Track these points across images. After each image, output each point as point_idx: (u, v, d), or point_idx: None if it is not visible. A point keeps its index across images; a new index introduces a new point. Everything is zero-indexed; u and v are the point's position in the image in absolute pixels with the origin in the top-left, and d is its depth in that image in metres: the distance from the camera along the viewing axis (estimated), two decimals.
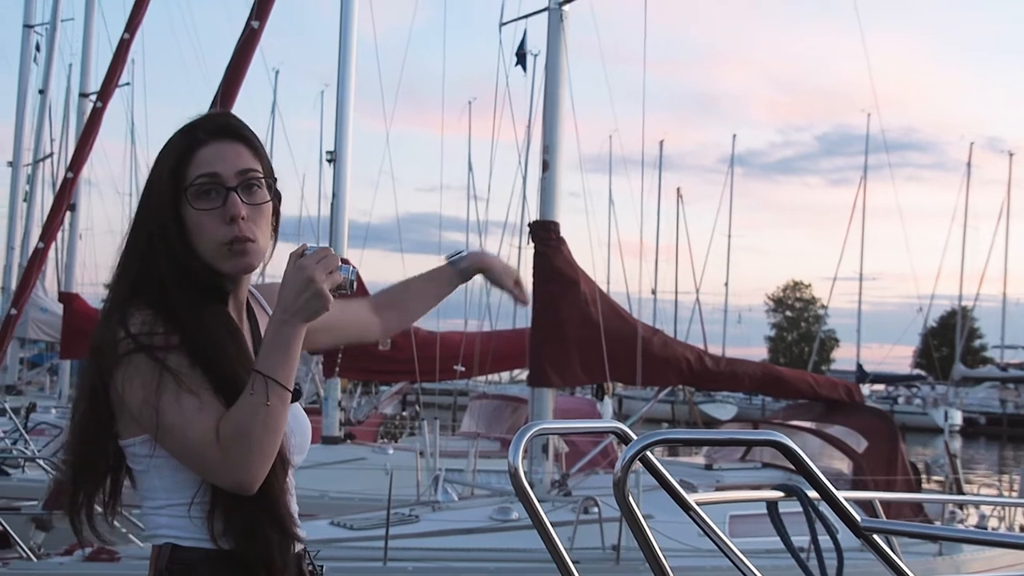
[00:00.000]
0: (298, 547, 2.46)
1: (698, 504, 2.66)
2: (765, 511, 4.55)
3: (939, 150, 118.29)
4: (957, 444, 39.85)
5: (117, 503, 2.45)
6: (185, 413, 2.22)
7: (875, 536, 2.73)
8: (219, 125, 2.43)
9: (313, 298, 2.24)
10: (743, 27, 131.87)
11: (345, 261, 2.37)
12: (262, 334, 2.49)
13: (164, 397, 2.22)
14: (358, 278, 2.41)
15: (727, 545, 2.72)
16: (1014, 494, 15.81)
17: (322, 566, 2.58)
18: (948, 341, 65.85)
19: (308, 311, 2.26)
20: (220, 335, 2.35)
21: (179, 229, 2.35)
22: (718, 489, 9.49)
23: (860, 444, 11.21)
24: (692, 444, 10.90)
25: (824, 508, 3.89)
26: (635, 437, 2.49)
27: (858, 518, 2.70)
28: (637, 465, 2.44)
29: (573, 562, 2.75)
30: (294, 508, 2.46)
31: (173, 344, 2.27)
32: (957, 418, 51.54)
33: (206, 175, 2.35)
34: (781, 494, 3.69)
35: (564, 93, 10.69)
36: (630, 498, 2.47)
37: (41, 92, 24.20)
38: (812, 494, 3.67)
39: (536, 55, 14.04)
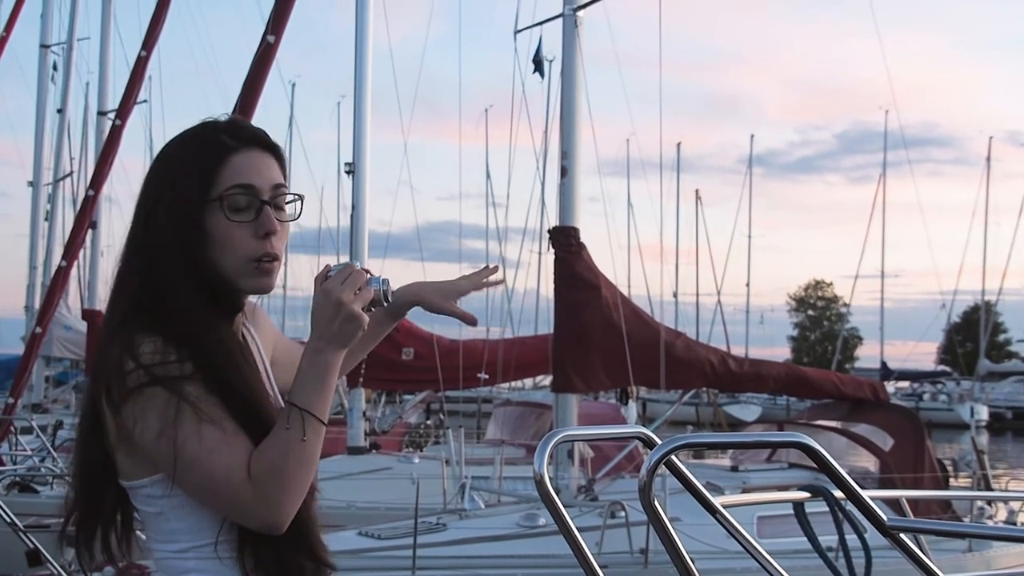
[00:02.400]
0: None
1: (724, 506, 2.66)
2: (792, 512, 4.54)
3: (959, 145, 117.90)
4: (984, 440, 39.66)
5: (130, 543, 2.28)
6: (208, 447, 2.04)
7: (902, 535, 2.73)
8: (251, 134, 2.26)
9: (346, 321, 2.11)
10: (758, 29, 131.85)
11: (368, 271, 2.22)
12: (255, 356, 2.35)
13: (183, 430, 2.03)
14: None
15: (754, 547, 2.72)
16: None
17: None
18: (972, 336, 65.62)
19: (344, 336, 2.12)
20: (236, 359, 2.19)
21: (202, 240, 2.17)
22: (745, 490, 9.49)
23: (886, 442, 11.19)
24: (716, 448, 10.90)
25: (851, 508, 3.89)
26: (659, 442, 2.50)
27: (884, 517, 2.69)
28: (662, 469, 2.45)
29: (601, 567, 2.75)
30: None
31: (188, 372, 2.07)
32: (983, 413, 51.34)
33: (242, 186, 2.18)
34: (807, 495, 3.69)
35: (580, 98, 10.71)
36: (656, 502, 2.48)
37: (59, 111, 24.17)
38: (838, 494, 3.68)
39: (551, 61, 14.04)
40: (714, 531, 2.93)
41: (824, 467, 2.56)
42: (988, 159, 61.39)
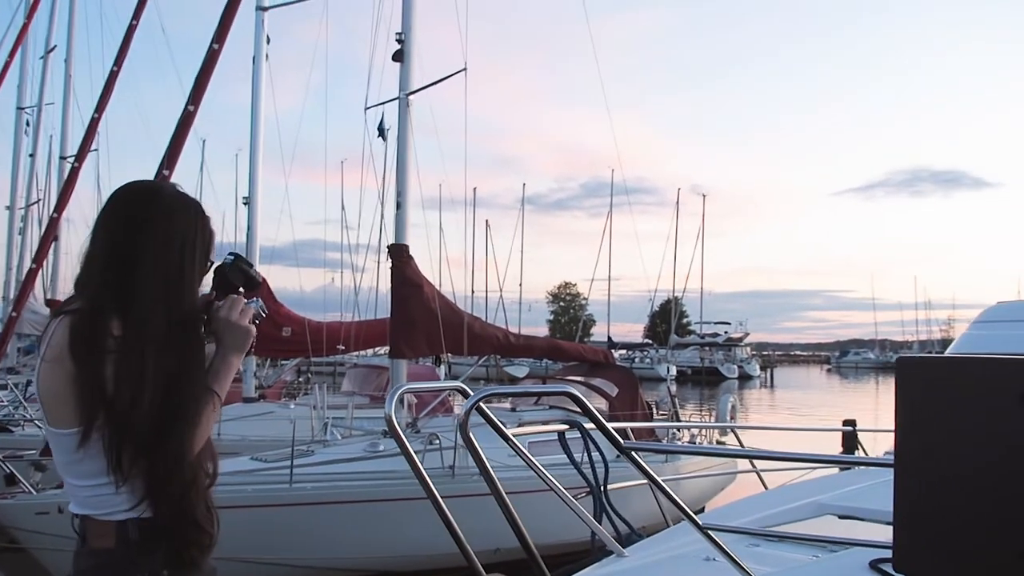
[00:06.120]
0: None
1: (513, 435, 2.68)
2: (555, 438, 4.59)
3: (660, 192, 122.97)
4: (674, 388, 41.00)
5: None
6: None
7: (632, 452, 2.80)
8: None
9: (239, 334, 2.14)
10: (532, 112, 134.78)
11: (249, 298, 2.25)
12: None
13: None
14: (267, 299, 2.32)
15: (532, 462, 2.75)
16: (712, 420, 16.38)
17: None
18: (666, 320, 67.78)
19: (239, 343, 2.15)
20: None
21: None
22: (520, 425, 9.57)
23: (613, 390, 11.43)
24: (512, 396, 11.00)
25: (596, 435, 3.94)
26: (472, 393, 2.50)
27: (622, 440, 2.77)
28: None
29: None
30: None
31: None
32: (673, 371, 53.29)
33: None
34: (567, 426, 3.76)
35: (410, 155, 10.62)
36: (471, 434, 2.48)
37: (31, 156, 23.80)
38: (588, 426, 3.73)
39: (389, 129, 13.89)
40: (501, 452, 2.94)
41: (583, 408, 2.61)
42: (677, 203, 64.12)
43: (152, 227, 2.04)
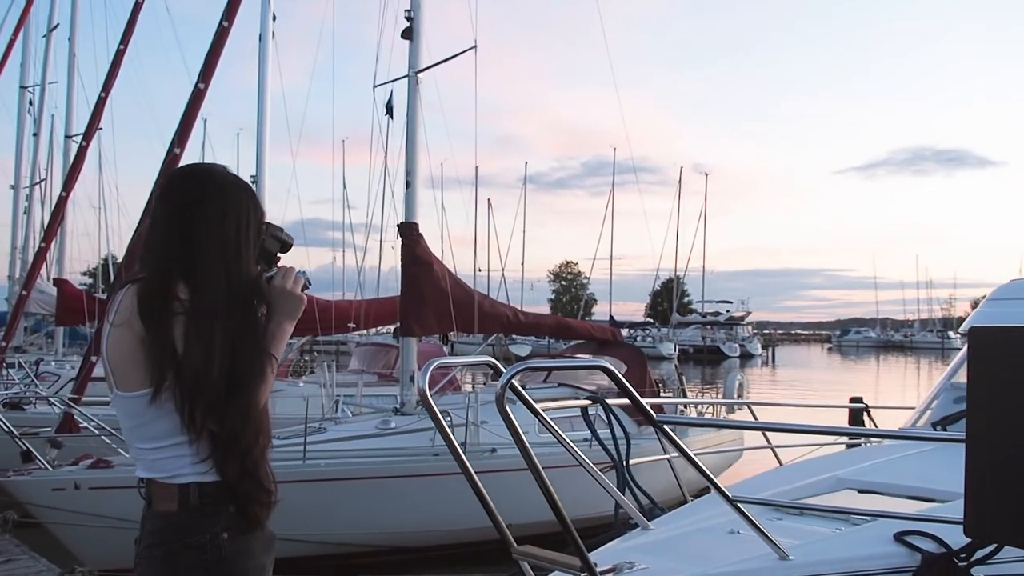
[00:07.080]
0: None
1: (543, 410, 2.70)
2: (567, 416, 4.59)
3: (662, 172, 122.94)
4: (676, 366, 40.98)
5: None
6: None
7: (665, 426, 2.83)
8: None
9: (294, 301, 2.23)
10: (534, 91, 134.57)
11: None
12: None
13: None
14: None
15: (563, 437, 2.78)
16: (720, 396, 16.44)
17: None
18: (668, 298, 67.77)
19: (293, 310, 2.23)
20: None
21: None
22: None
23: (621, 368, 11.47)
24: (545, 370, 10.95)
25: (617, 411, 3.96)
26: (504, 369, 2.52)
27: (655, 415, 2.79)
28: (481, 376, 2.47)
29: (434, 455, 2.78)
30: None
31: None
32: (675, 349, 53.43)
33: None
34: (590, 402, 3.79)
35: (420, 134, 10.60)
36: (507, 407, 2.50)
37: (35, 135, 23.67)
38: (610, 401, 3.76)
39: (393, 107, 13.80)
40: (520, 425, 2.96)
41: (617, 383, 2.62)
42: (680, 182, 64.02)
43: (208, 207, 2.13)
